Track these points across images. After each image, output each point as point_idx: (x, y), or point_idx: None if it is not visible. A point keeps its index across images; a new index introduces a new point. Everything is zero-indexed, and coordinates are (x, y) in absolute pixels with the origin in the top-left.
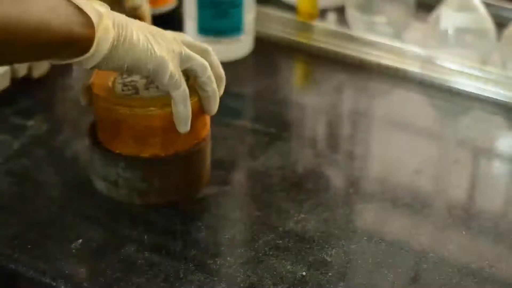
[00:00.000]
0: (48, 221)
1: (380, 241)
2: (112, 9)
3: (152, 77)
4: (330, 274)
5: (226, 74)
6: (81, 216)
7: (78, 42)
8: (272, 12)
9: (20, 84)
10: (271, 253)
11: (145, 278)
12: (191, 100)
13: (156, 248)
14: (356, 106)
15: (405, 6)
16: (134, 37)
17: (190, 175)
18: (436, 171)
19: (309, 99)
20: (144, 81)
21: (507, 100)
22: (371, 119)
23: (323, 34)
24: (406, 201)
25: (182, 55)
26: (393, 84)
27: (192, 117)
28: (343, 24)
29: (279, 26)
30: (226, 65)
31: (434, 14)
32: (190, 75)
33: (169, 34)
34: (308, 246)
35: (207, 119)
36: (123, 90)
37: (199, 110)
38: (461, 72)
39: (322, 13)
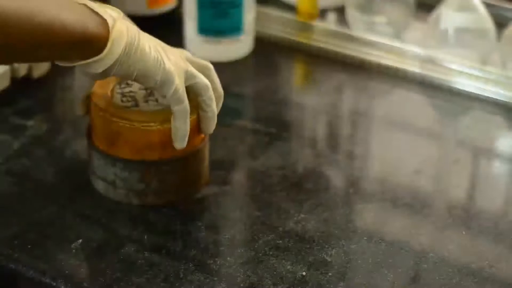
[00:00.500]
0: (48, 221)
1: (380, 241)
2: None
3: (158, 89)
4: (330, 274)
5: (226, 74)
6: (81, 216)
7: (92, 41)
8: (272, 12)
9: (20, 84)
10: (271, 253)
11: (145, 278)
12: (190, 117)
13: (156, 248)
14: (356, 106)
15: (405, 6)
16: (146, 46)
17: (188, 176)
18: (436, 171)
19: (309, 99)
20: (143, 92)
21: (507, 100)
22: (371, 119)
23: (323, 34)
24: (406, 201)
25: (187, 72)
26: (393, 84)
27: (190, 132)
28: (343, 24)
29: (279, 26)
30: (226, 65)
31: (434, 14)
32: (190, 93)
33: (175, 50)
34: (308, 246)
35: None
36: (122, 101)
37: (197, 126)
38: (461, 72)
39: (322, 13)
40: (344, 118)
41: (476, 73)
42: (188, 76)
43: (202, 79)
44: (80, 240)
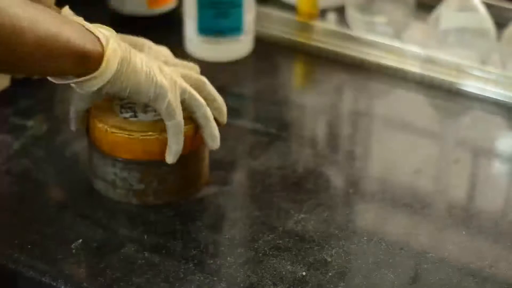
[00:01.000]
0: (48, 221)
1: (380, 241)
2: None
3: (152, 104)
4: (330, 274)
5: (226, 74)
6: (81, 216)
7: (90, 58)
8: (272, 12)
9: (20, 84)
10: (271, 253)
11: (145, 278)
12: (187, 126)
13: (156, 248)
14: (356, 106)
15: (405, 6)
16: (138, 62)
17: (188, 176)
18: (436, 171)
19: (309, 99)
20: (142, 103)
21: (507, 100)
22: (371, 119)
23: (323, 34)
24: (406, 201)
25: (181, 88)
26: (393, 84)
27: (190, 133)
28: (343, 24)
29: (279, 26)
30: (226, 65)
31: (434, 14)
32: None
33: (170, 68)
34: (308, 246)
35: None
36: (121, 112)
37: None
38: (461, 72)
39: (322, 13)
40: (344, 118)
41: (476, 73)
42: (182, 92)
43: (194, 94)
44: (80, 240)
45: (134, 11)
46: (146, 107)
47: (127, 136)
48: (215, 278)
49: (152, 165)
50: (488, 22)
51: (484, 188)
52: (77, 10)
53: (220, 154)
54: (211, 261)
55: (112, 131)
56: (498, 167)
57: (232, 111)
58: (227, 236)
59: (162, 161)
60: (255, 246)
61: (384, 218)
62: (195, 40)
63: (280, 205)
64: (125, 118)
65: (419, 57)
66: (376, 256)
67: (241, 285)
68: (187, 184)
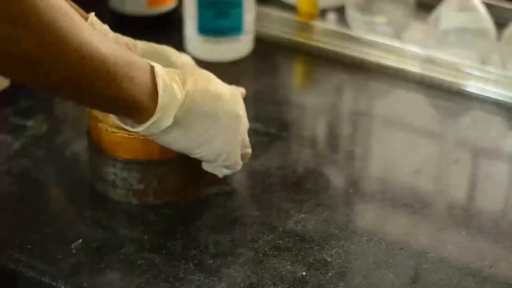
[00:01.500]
0: (48, 221)
1: (380, 241)
2: None
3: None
4: (330, 274)
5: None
6: (81, 216)
7: (138, 112)
8: (272, 12)
9: (20, 84)
10: (271, 253)
11: (145, 278)
12: None
13: (156, 248)
14: (356, 106)
15: (405, 6)
16: (197, 124)
17: (188, 176)
18: (436, 171)
19: (309, 99)
20: None
21: (507, 100)
22: (371, 119)
23: (323, 34)
24: (406, 201)
25: (242, 139)
26: (393, 84)
27: None
28: (343, 24)
29: (279, 26)
30: (226, 65)
31: (434, 14)
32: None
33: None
34: (308, 246)
35: None
36: None
37: None
38: (461, 72)
39: (322, 13)
40: (344, 118)
41: (476, 73)
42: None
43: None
44: (80, 240)
45: (134, 11)
46: None
47: (127, 136)
48: (215, 278)
49: (152, 165)
50: (488, 22)
51: (484, 188)
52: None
53: None
54: (211, 261)
55: (112, 131)
56: (498, 167)
57: None
58: (227, 236)
59: (162, 161)
60: (255, 246)
61: (384, 218)
62: (195, 40)
63: (280, 205)
64: None
65: (419, 57)
66: (376, 256)
67: (241, 285)
68: (187, 184)
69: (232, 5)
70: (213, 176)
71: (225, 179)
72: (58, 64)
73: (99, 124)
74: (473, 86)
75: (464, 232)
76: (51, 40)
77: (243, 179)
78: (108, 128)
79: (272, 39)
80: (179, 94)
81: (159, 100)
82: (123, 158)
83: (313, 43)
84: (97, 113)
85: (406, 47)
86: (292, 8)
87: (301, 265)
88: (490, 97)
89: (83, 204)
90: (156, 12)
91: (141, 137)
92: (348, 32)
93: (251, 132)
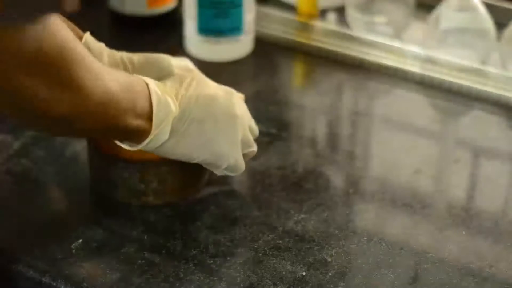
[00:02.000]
0: (48, 221)
1: (380, 241)
2: None
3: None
4: (330, 274)
5: (226, 74)
6: (81, 216)
7: (130, 133)
8: (272, 12)
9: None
10: (271, 253)
11: (145, 278)
12: None
13: (156, 248)
14: (356, 106)
15: (405, 6)
16: (192, 129)
17: (188, 176)
18: (436, 171)
19: (309, 99)
20: None
21: (507, 100)
22: (371, 119)
23: (323, 34)
24: (406, 201)
25: (243, 139)
26: (393, 84)
27: None
28: (343, 24)
29: (279, 26)
30: (226, 65)
31: (434, 14)
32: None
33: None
34: (308, 246)
35: None
36: None
37: None
38: (461, 72)
39: (322, 13)
40: (344, 118)
41: (476, 73)
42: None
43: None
44: (80, 240)
45: (134, 11)
46: None
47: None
48: (215, 278)
49: (152, 165)
50: (488, 22)
51: (484, 188)
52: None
53: None
54: (211, 261)
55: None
56: (498, 167)
57: None
58: (227, 236)
59: (162, 161)
60: (255, 246)
61: (384, 218)
62: (195, 40)
63: (280, 205)
64: None
65: (419, 57)
66: (376, 256)
67: (241, 285)
68: (187, 184)
69: (232, 5)
70: (213, 176)
71: (225, 179)
72: (83, 117)
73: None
74: (473, 86)
75: (464, 232)
76: (79, 100)
77: (243, 179)
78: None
79: (272, 39)
80: (173, 107)
81: (153, 119)
82: (123, 158)
83: (313, 43)
84: None
85: (406, 47)
86: (292, 8)
87: (301, 265)
88: (490, 97)
89: (83, 204)
90: (156, 12)
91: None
92: (348, 32)
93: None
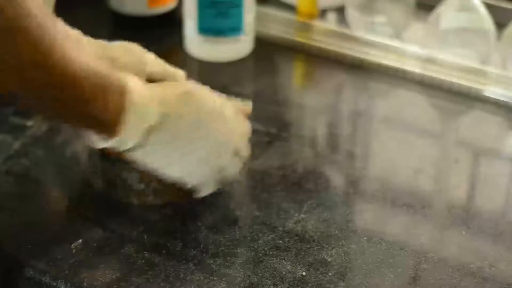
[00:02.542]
0: (48, 221)
1: (380, 241)
2: None
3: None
4: (330, 274)
5: (226, 74)
6: (81, 216)
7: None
8: (272, 12)
9: None
10: (271, 253)
11: (145, 278)
12: None
13: (156, 248)
14: (356, 106)
15: (405, 6)
16: (166, 144)
17: None
18: (436, 171)
19: (309, 99)
20: None
21: (507, 100)
22: (371, 119)
23: (323, 34)
24: (406, 201)
25: (222, 162)
26: (393, 84)
27: None
28: (343, 24)
29: (279, 26)
30: (226, 65)
31: (434, 14)
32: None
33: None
34: (308, 246)
35: None
36: None
37: None
38: (461, 72)
39: (322, 13)
40: (344, 118)
41: (476, 73)
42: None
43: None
44: (80, 240)
45: (134, 11)
46: None
47: None
48: (215, 278)
49: None
50: (488, 22)
51: (484, 188)
52: (77, 10)
53: None
54: (211, 261)
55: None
56: (498, 167)
57: None
58: (227, 236)
59: None
60: (255, 246)
61: (384, 218)
62: (195, 40)
63: (280, 205)
64: None
65: (419, 57)
66: (376, 256)
67: (241, 285)
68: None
69: (232, 5)
70: None
71: None
72: (40, 76)
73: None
74: (473, 86)
75: (464, 232)
76: (40, 58)
77: (243, 179)
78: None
79: (272, 39)
80: (150, 117)
81: (126, 119)
82: (123, 158)
83: (313, 43)
84: None
85: (406, 47)
86: (292, 8)
87: (301, 265)
88: (490, 97)
89: (83, 204)
90: (156, 12)
91: None
92: (348, 32)
93: (251, 132)
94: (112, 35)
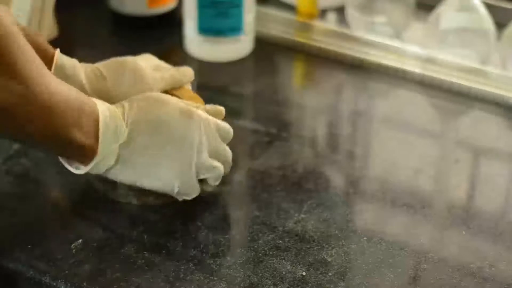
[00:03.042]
0: (48, 221)
1: (380, 241)
2: None
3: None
4: (330, 274)
5: (226, 74)
6: (81, 216)
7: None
8: (272, 12)
9: None
10: (271, 253)
11: (145, 278)
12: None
13: (156, 248)
14: (356, 106)
15: (405, 6)
16: (136, 156)
17: None
18: (436, 171)
19: (309, 99)
20: None
21: (507, 100)
22: (371, 119)
23: (323, 34)
24: (406, 201)
25: (198, 164)
26: (393, 84)
27: None
28: (343, 24)
29: (279, 26)
30: (226, 65)
31: (434, 14)
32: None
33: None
34: (308, 246)
35: None
36: None
37: None
38: (461, 72)
39: (322, 13)
40: (344, 118)
41: (476, 73)
42: (200, 167)
43: (216, 171)
44: (80, 240)
45: (134, 11)
46: None
47: None
48: (215, 278)
49: None
50: (488, 22)
51: (484, 188)
52: (77, 10)
53: None
54: (211, 261)
55: None
56: (498, 167)
57: (232, 111)
58: (227, 236)
59: None
60: (255, 246)
61: (384, 218)
62: (195, 40)
63: (280, 205)
64: None
65: (419, 57)
66: (376, 256)
67: (241, 285)
68: None
69: (232, 5)
70: None
71: (225, 179)
72: (27, 114)
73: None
74: (473, 86)
75: (464, 232)
76: (21, 89)
77: (243, 179)
78: None
79: (272, 39)
80: (122, 133)
81: (99, 144)
82: None
83: (313, 43)
84: None
85: (406, 47)
86: (292, 8)
87: (301, 265)
88: (490, 97)
89: (83, 204)
90: (156, 12)
91: None
92: (348, 32)
93: (251, 132)
94: (112, 35)
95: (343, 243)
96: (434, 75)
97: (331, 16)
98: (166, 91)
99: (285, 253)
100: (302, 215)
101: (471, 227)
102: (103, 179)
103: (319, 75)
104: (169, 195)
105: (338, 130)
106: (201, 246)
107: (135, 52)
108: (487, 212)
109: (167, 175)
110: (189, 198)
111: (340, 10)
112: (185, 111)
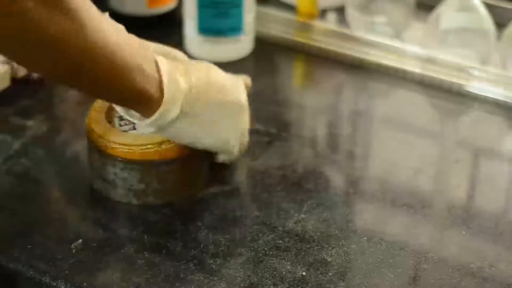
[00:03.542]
0: (48, 221)
1: (380, 241)
2: None
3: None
4: (330, 274)
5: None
6: (81, 216)
7: (145, 102)
8: (272, 12)
9: (20, 84)
10: (271, 253)
11: (145, 278)
12: None
13: (156, 248)
14: (356, 106)
15: (405, 6)
16: (201, 113)
17: (188, 176)
18: (436, 171)
19: (309, 99)
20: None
21: (507, 100)
22: (371, 119)
23: (323, 34)
24: (406, 201)
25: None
26: (393, 84)
27: None
28: (343, 24)
29: (279, 26)
30: (226, 65)
31: (434, 14)
32: None
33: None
34: (308, 246)
35: None
36: (120, 124)
37: None
38: (461, 72)
39: (322, 13)
40: (344, 118)
41: (476, 73)
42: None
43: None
44: (80, 240)
45: (134, 11)
46: None
47: (126, 150)
48: (215, 278)
49: (152, 165)
50: (488, 22)
51: (484, 188)
52: None
53: None
54: (211, 261)
55: (112, 146)
56: (498, 167)
57: None
58: (227, 236)
59: (162, 161)
60: (255, 246)
61: (384, 218)
62: (195, 40)
63: (280, 205)
64: (124, 131)
65: (419, 57)
66: (376, 256)
67: (241, 285)
68: (187, 184)
69: (232, 5)
70: (213, 176)
71: (225, 179)
72: (76, 50)
73: (99, 140)
74: (473, 86)
75: (464, 232)
76: (74, 27)
77: (243, 179)
78: (107, 143)
79: (272, 39)
80: (184, 85)
81: (165, 91)
82: (123, 158)
83: (313, 43)
84: (95, 126)
85: (406, 47)
86: (292, 8)
87: (301, 265)
88: (490, 97)
89: (83, 204)
90: (156, 12)
91: (139, 151)
92: (348, 32)
93: (251, 132)
94: None
95: (343, 243)
96: (434, 75)
97: (331, 16)
98: None
99: (285, 253)
100: (302, 215)
101: (471, 227)
102: (103, 179)
103: (319, 75)
104: (169, 195)
105: (338, 130)
106: (201, 246)
107: None
108: (487, 212)
109: (227, 135)
110: (229, 161)
111: (340, 10)
112: (233, 77)
